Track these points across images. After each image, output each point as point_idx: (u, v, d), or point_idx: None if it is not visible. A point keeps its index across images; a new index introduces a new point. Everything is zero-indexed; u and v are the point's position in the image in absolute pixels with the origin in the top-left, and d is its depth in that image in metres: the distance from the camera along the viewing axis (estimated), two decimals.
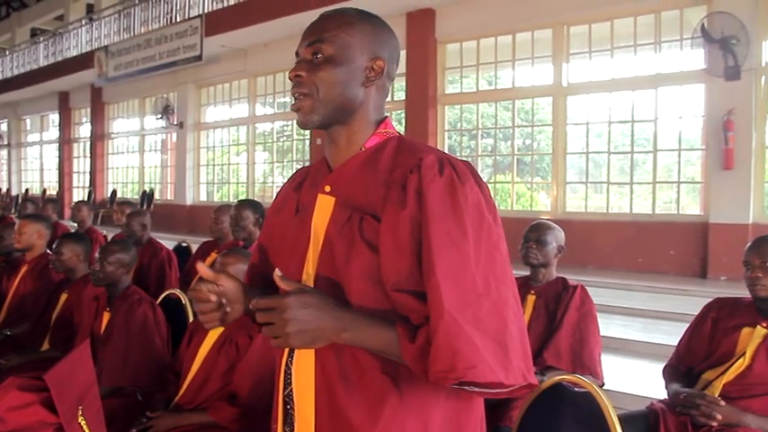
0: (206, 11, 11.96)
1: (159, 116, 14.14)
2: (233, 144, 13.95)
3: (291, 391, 1.24)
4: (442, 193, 1.13)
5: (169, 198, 14.81)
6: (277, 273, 1.16)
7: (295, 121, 10.75)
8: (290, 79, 1.25)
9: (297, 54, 1.27)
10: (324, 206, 1.25)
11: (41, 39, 18.93)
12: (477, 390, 1.09)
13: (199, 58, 11.77)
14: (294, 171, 1.46)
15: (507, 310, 1.11)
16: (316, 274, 1.22)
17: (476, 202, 1.14)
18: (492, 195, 1.20)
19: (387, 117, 1.31)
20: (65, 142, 18.29)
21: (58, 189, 18.40)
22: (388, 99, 1.38)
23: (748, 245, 2.45)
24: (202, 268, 1.22)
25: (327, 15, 1.27)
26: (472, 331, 1.06)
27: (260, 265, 1.45)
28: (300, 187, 1.36)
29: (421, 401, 1.16)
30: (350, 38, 1.24)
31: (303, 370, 1.21)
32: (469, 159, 9.48)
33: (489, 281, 1.10)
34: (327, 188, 1.26)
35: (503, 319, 1.09)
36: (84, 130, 17.93)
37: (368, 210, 1.19)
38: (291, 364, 1.24)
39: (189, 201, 13.74)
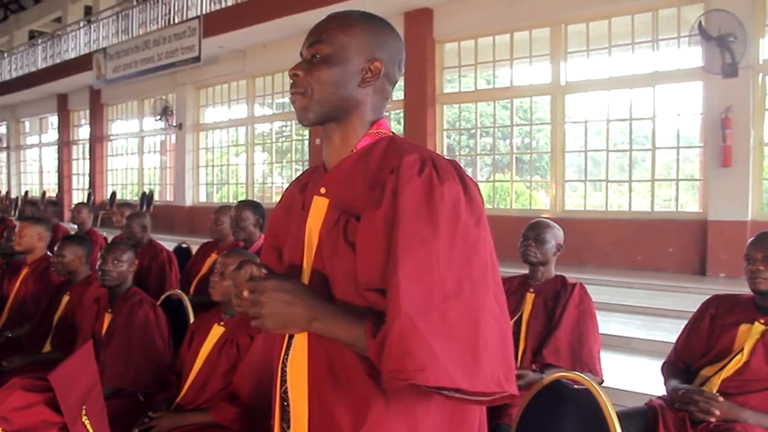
0: (204, 12, 11.97)
1: (158, 117, 14.14)
2: (232, 145, 13.96)
3: (287, 388, 1.26)
4: (417, 193, 1.11)
5: (169, 199, 14.81)
6: (262, 270, 1.18)
7: (294, 122, 10.68)
8: (289, 77, 1.26)
9: (301, 54, 1.29)
10: (318, 208, 1.26)
11: (39, 41, 18.92)
12: (444, 393, 1.06)
13: (197, 59, 11.78)
14: (293, 171, 1.47)
15: (483, 315, 1.07)
16: (310, 274, 1.24)
17: (453, 203, 1.11)
18: (485, 195, 1.18)
19: (381, 117, 1.31)
20: (64, 144, 18.29)
21: (57, 191, 18.39)
22: None
23: (751, 239, 2.47)
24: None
25: (332, 16, 1.29)
26: (431, 333, 1.03)
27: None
28: (305, 189, 1.36)
29: (409, 406, 1.15)
30: (348, 38, 1.24)
31: (297, 368, 1.23)
32: (468, 158, 9.51)
33: (462, 283, 1.07)
34: (323, 190, 1.27)
35: (475, 324, 1.06)
36: (83, 132, 17.94)
37: (354, 211, 1.19)
38: (287, 362, 1.26)
39: (188, 202, 13.75)
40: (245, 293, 1.16)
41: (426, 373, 1.01)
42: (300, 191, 1.37)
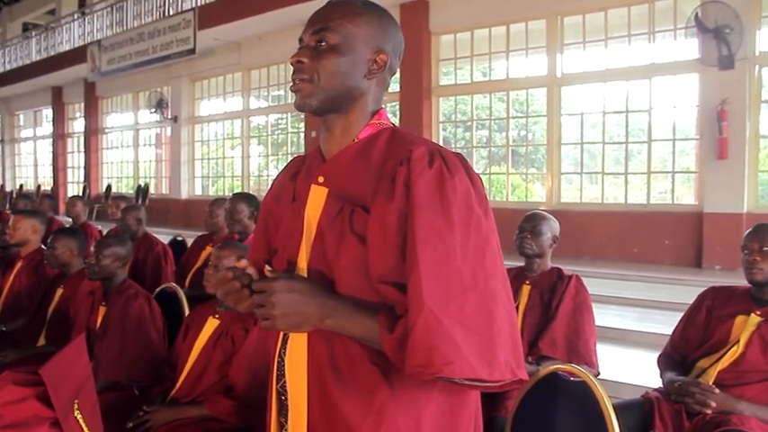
0: (199, 4, 11.90)
1: (153, 110, 14.08)
2: (227, 138, 13.91)
3: (285, 382, 1.24)
4: (431, 186, 1.12)
5: (164, 192, 14.76)
6: (267, 269, 1.17)
7: (290, 114, 10.60)
8: (291, 64, 1.24)
9: (300, 40, 1.27)
10: (317, 197, 1.25)
11: (33, 33, 18.81)
12: (462, 383, 1.08)
13: (192, 51, 11.73)
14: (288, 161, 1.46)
15: (496, 305, 1.10)
16: (308, 264, 1.23)
17: (465, 195, 1.13)
18: (485, 187, 1.19)
19: (382, 108, 1.31)
20: (59, 137, 18.21)
21: (52, 184, 18.34)
22: None
23: (748, 231, 2.48)
24: (243, 262, 1.20)
25: (335, 3, 1.27)
26: (453, 326, 1.05)
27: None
28: (296, 177, 1.35)
29: (413, 394, 1.16)
30: (355, 29, 1.23)
31: (295, 361, 1.22)
32: (464, 151, 9.52)
33: (477, 275, 1.09)
34: (321, 179, 1.26)
35: (490, 314, 1.09)
36: (78, 125, 17.86)
37: (359, 201, 1.18)
38: (284, 355, 1.24)
39: (184, 195, 13.72)
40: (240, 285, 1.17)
41: (453, 367, 1.04)
42: (291, 179, 1.36)
